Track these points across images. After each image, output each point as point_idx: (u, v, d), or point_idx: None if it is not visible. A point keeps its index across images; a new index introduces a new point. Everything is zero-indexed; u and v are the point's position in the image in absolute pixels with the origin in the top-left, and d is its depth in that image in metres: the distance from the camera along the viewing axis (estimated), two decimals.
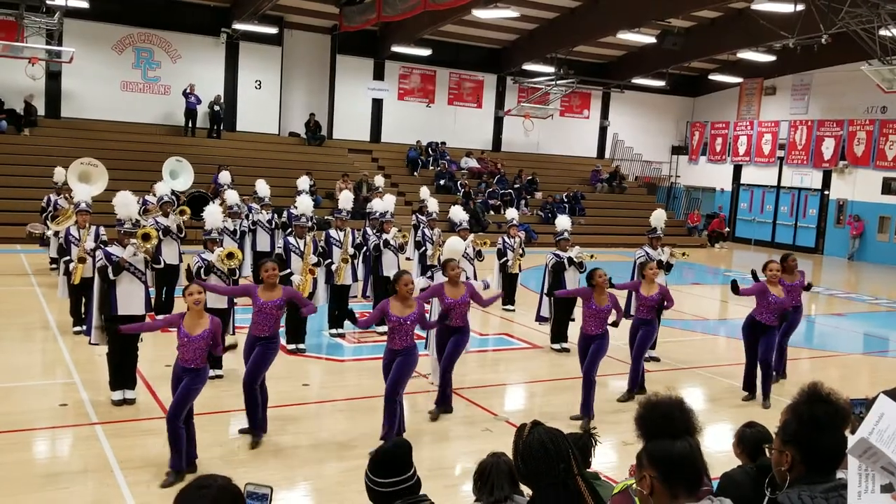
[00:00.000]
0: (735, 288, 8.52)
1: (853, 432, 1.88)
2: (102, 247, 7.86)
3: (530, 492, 2.73)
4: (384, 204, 12.61)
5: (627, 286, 9.02)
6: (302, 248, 9.71)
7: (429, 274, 8.92)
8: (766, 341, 8.48)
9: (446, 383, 7.60)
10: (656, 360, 10.16)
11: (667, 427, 2.28)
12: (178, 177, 17.61)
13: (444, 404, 7.61)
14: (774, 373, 9.15)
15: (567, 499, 2.52)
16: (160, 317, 9.96)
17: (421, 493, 3.10)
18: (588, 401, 7.54)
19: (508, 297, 13.14)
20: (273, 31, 23.20)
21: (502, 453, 3.18)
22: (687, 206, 30.09)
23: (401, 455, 3.10)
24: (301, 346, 9.78)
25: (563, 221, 11.21)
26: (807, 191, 26.81)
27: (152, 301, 8.86)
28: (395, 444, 3.21)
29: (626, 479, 3.22)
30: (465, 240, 11.15)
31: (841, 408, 2.39)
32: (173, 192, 12.98)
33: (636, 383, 8.46)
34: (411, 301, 6.69)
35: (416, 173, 25.07)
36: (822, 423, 2.34)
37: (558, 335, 10.59)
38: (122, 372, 7.45)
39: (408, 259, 14.13)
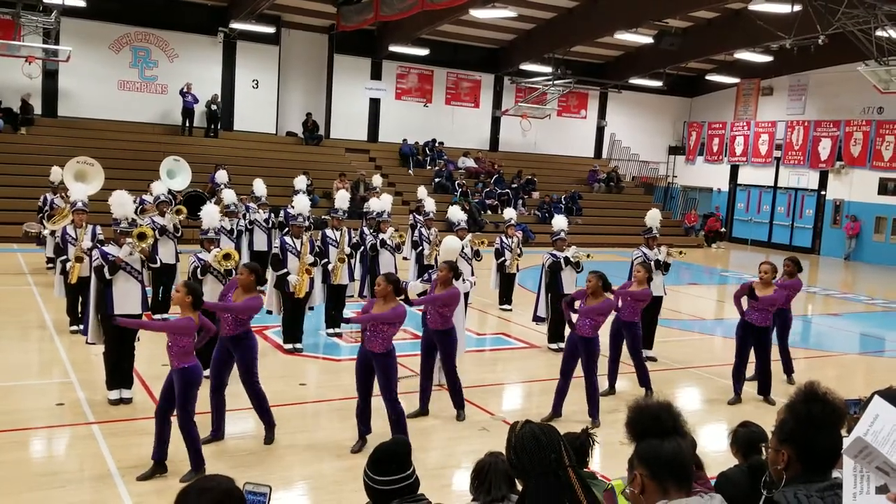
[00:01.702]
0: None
1: (849, 432, 1.89)
2: (99, 246, 7.85)
3: None
4: (381, 203, 12.61)
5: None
6: (298, 248, 9.69)
7: (425, 277, 8.89)
8: (762, 347, 8.51)
9: (455, 385, 7.63)
10: (653, 359, 10.16)
11: (655, 428, 2.32)
12: (175, 176, 17.57)
13: (458, 406, 7.66)
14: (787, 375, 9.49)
15: (558, 489, 2.53)
16: (157, 316, 9.96)
17: (418, 492, 3.10)
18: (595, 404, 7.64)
19: (506, 296, 13.17)
20: (270, 30, 23.17)
21: (500, 453, 3.17)
22: (684, 206, 30.13)
23: (401, 453, 3.10)
24: (298, 345, 9.77)
25: (559, 221, 11.19)
26: (803, 191, 26.85)
27: (149, 300, 8.84)
28: (395, 442, 3.21)
29: (616, 478, 3.23)
30: (462, 239, 11.16)
31: (837, 407, 2.41)
32: (170, 192, 12.96)
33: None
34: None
35: (410, 171, 25.06)
36: (819, 422, 2.35)
37: (555, 335, 10.59)
38: (119, 371, 7.45)
39: (405, 259, 14.12)
